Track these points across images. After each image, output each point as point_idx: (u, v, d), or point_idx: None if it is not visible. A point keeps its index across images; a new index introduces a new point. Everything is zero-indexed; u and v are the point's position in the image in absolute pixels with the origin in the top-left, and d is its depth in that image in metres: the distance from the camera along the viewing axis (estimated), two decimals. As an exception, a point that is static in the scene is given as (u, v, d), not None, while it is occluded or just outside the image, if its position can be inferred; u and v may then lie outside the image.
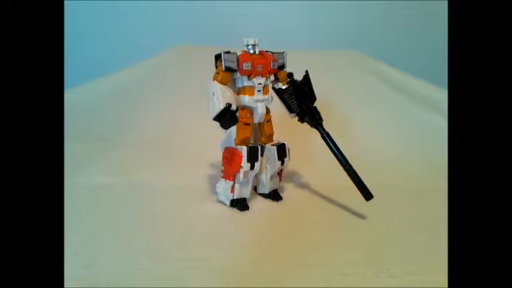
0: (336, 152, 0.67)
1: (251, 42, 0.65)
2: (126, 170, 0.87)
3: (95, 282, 0.48)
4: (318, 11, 1.53)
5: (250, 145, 0.67)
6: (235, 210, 0.68)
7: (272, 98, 0.69)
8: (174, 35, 1.52)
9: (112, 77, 1.40)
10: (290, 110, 0.70)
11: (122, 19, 1.56)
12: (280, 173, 0.74)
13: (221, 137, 0.70)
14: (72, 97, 1.27)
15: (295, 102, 0.70)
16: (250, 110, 0.67)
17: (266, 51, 0.67)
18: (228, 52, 0.64)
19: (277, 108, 0.71)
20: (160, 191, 0.76)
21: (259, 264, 0.52)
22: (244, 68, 0.64)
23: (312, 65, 0.72)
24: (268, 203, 0.73)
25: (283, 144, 0.70)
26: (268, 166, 0.70)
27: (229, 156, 0.67)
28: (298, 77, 0.70)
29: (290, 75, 0.70)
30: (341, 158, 0.67)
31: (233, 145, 0.67)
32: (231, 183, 0.68)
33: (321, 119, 0.69)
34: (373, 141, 1.06)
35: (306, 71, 0.70)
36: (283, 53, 0.69)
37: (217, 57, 0.65)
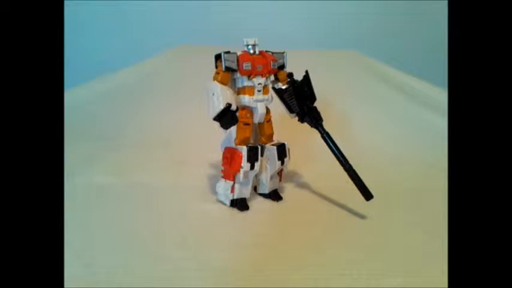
0: (336, 152, 0.67)
1: (251, 42, 0.65)
2: (126, 170, 0.87)
3: (95, 282, 0.48)
4: (318, 11, 1.53)
5: (250, 145, 0.67)
6: (235, 210, 0.68)
7: (272, 98, 0.69)
8: (174, 34, 1.52)
9: (112, 77, 1.40)
10: (290, 110, 0.70)
11: (122, 19, 1.56)
12: (280, 173, 0.74)
13: (221, 137, 0.70)
14: (72, 97, 1.27)
15: (295, 102, 0.69)
16: (250, 110, 0.67)
17: (266, 51, 0.67)
18: (228, 52, 0.63)
19: (277, 108, 0.71)
20: (160, 191, 0.76)
21: (259, 264, 0.52)
22: (244, 68, 0.64)
23: (312, 65, 0.71)
24: (268, 203, 0.72)
25: (283, 144, 0.70)
26: (268, 166, 0.70)
27: (229, 156, 0.67)
28: (298, 77, 0.70)
29: (290, 75, 0.70)
30: (341, 158, 0.67)
31: (233, 145, 0.67)
32: (231, 183, 0.68)
33: (321, 119, 0.69)
34: (373, 141, 1.06)
35: (306, 71, 0.70)
36: (283, 53, 0.69)
37: (217, 57, 0.65)
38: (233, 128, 0.67)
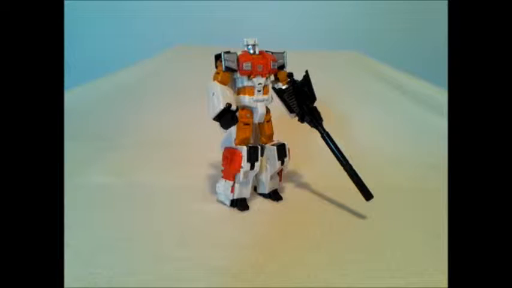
0: (336, 152, 0.67)
1: (251, 42, 0.65)
2: (126, 170, 0.87)
3: (95, 282, 0.48)
4: (318, 11, 1.54)
5: (250, 145, 0.67)
6: (235, 210, 0.68)
7: (272, 98, 0.69)
8: (174, 35, 1.52)
9: (112, 77, 1.40)
10: (290, 110, 0.70)
11: (122, 19, 1.56)
12: (280, 173, 0.74)
13: (221, 137, 0.70)
14: (72, 97, 1.27)
15: (295, 102, 0.70)
16: (250, 110, 0.67)
17: (266, 51, 0.67)
18: (228, 52, 0.64)
19: (277, 108, 0.71)
20: (160, 191, 0.76)
21: (259, 264, 0.52)
22: (244, 68, 0.64)
23: (312, 65, 0.72)
24: (268, 203, 0.73)
25: (283, 144, 0.70)
26: (268, 166, 0.70)
27: (229, 156, 0.67)
28: (298, 77, 0.70)
29: (290, 75, 0.70)
30: (341, 158, 0.67)
31: (233, 145, 0.67)
32: (231, 183, 0.68)
33: (321, 119, 0.69)
34: (373, 141, 1.06)
35: (306, 71, 0.70)
36: (283, 53, 0.69)
37: (217, 57, 0.65)
38: (233, 128, 0.67)
